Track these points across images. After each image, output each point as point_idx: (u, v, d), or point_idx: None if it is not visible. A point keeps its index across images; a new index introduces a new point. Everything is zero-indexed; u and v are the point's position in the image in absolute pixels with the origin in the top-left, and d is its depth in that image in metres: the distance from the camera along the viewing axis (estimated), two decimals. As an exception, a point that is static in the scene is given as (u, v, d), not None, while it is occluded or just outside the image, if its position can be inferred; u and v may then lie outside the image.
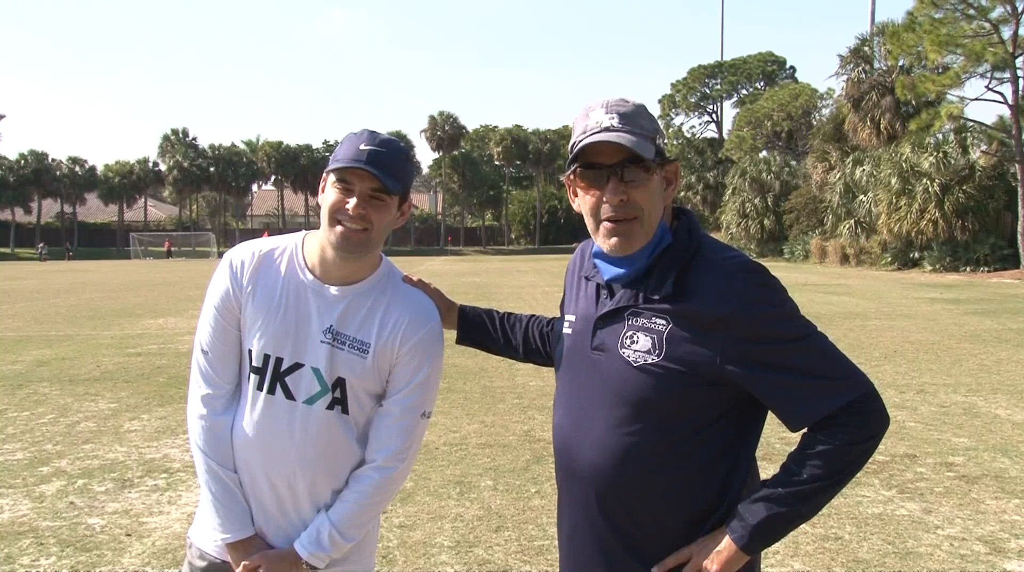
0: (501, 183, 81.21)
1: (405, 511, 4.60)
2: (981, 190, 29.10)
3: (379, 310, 1.86)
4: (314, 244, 1.87)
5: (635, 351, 1.59)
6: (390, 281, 1.91)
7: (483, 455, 5.75)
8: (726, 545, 1.55)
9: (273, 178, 78.73)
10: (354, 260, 1.82)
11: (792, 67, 69.58)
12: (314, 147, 77.65)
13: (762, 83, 67.75)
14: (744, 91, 68.81)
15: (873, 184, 33.27)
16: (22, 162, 73.69)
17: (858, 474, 1.57)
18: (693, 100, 70.52)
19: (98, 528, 4.38)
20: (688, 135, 69.61)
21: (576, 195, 1.68)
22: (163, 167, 76.74)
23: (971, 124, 29.14)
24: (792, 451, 1.58)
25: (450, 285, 23.15)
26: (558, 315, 1.91)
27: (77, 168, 75.61)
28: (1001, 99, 27.03)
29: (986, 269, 28.39)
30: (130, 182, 75.80)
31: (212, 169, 75.63)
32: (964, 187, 29.09)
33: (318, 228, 1.85)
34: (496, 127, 79.54)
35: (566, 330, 1.78)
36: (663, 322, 1.58)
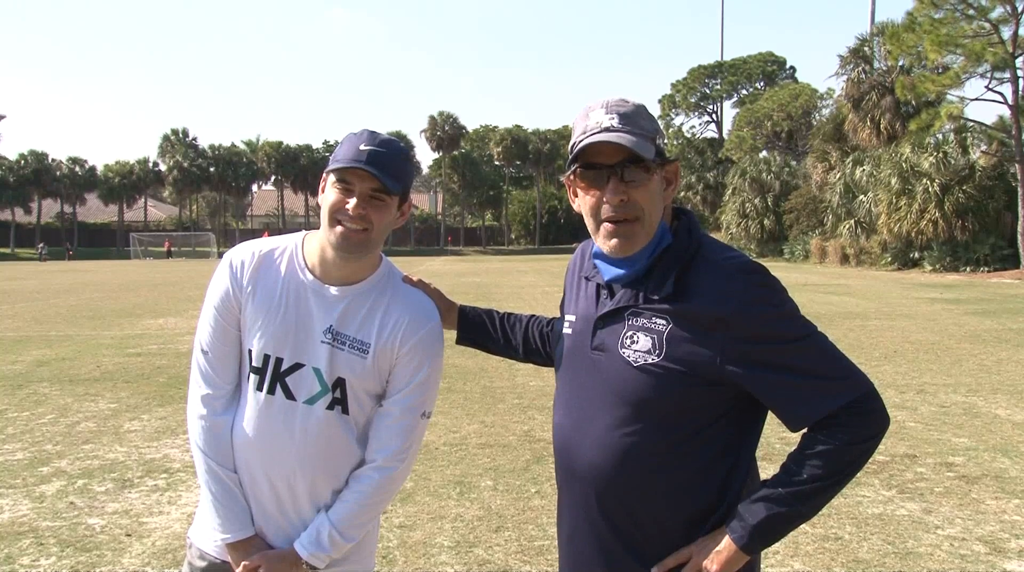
0: (501, 183, 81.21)
1: (405, 511, 4.60)
2: (981, 190, 29.10)
3: (379, 310, 1.86)
4: (314, 244, 1.87)
5: (635, 351, 1.59)
6: (390, 281, 1.91)
7: (483, 455, 5.75)
8: (726, 545, 1.55)
9: (273, 178, 78.72)
10: (354, 260, 1.82)
11: (792, 67, 69.68)
12: (314, 147, 77.65)
13: (762, 83, 67.76)
14: (744, 91, 68.82)
15: (873, 184, 33.27)
16: (22, 162, 73.68)
17: (858, 474, 1.57)
18: (693, 100, 70.53)
19: (98, 528, 4.38)
20: (688, 135, 69.63)
21: (576, 195, 1.68)
22: (163, 167, 76.74)
23: (971, 124, 29.14)
24: (792, 451, 1.58)
25: (450, 285, 23.15)
26: (558, 315, 1.91)
27: (77, 168, 75.60)
28: (1001, 99, 27.05)
29: (986, 269, 28.39)
30: (130, 182, 75.78)
31: (212, 169, 75.62)
32: (964, 187, 29.08)
33: (318, 228, 1.85)
34: (496, 127, 79.53)
35: (566, 330, 1.78)
36: (663, 322, 1.58)
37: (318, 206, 1.85)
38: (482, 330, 2.13)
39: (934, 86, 26.92)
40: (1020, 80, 25.97)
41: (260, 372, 1.82)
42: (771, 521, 1.53)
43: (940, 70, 28.33)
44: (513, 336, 2.12)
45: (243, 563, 1.80)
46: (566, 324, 1.79)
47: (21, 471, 5.43)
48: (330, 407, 1.82)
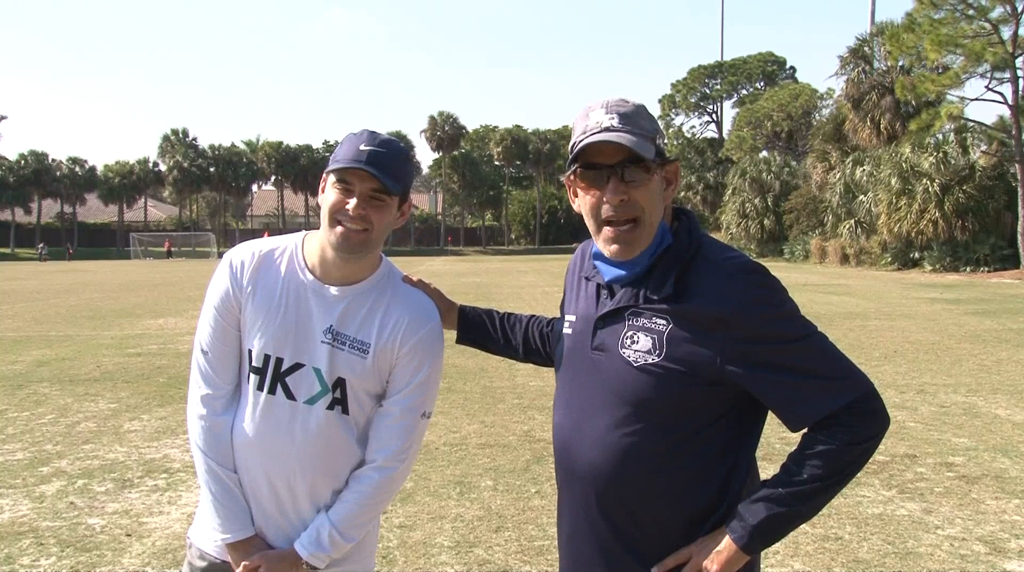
0: (501, 183, 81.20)
1: (405, 511, 4.60)
2: (981, 190, 29.10)
3: (379, 310, 1.86)
4: (314, 244, 1.87)
5: (635, 351, 1.59)
6: (390, 281, 1.91)
7: (483, 455, 5.75)
8: (726, 545, 1.55)
9: (273, 178, 78.72)
10: (354, 260, 1.82)
11: (792, 67, 69.73)
12: (314, 147, 77.66)
13: (762, 83, 67.78)
14: (744, 91, 68.84)
15: (873, 184, 33.28)
16: (22, 162, 73.69)
17: (858, 474, 1.57)
18: (693, 100, 70.55)
19: (98, 528, 4.38)
20: (688, 135, 69.65)
21: (576, 195, 1.68)
22: (163, 167, 76.75)
23: (971, 124, 29.16)
24: (792, 451, 1.58)
25: (450, 285, 23.15)
26: (558, 315, 1.91)
27: (77, 168, 75.61)
28: (1001, 99, 27.05)
29: (986, 269, 28.40)
30: (130, 182, 75.79)
31: (212, 169, 75.64)
32: (964, 187, 29.09)
33: (318, 228, 1.85)
34: (496, 127, 79.54)
35: (566, 330, 1.78)
36: (663, 322, 1.58)
37: (318, 206, 1.85)
38: (482, 330, 2.13)
39: (934, 86, 26.93)
40: (1020, 80, 25.98)
41: (260, 372, 1.82)
42: (771, 521, 1.52)
43: (940, 70, 28.33)
44: (513, 336, 2.12)
45: (243, 563, 1.80)
46: (566, 324, 1.79)
47: (21, 471, 5.43)
48: (330, 407, 1.82)
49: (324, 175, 1.82)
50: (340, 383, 1.82)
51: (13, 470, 5.46)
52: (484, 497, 4.84)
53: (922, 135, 28.97)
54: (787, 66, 69.23)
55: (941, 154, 29.47)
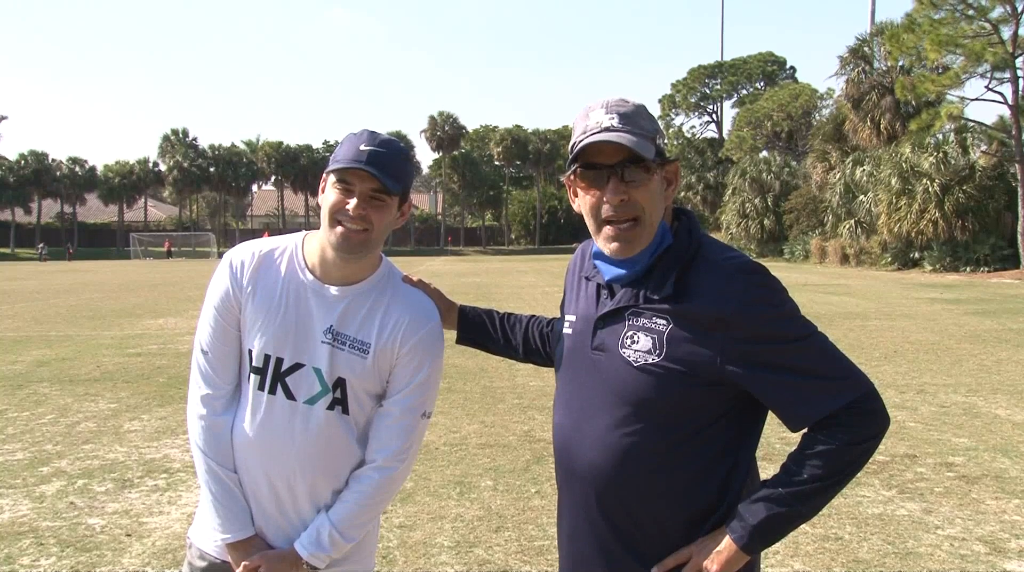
0: (501, 183, 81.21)
1: (405, 511, 4.60)
2: (981, 190, 29.11)
3: (379, 310, 1.86)
4: (314, 244, 1.87)
5: (635, 351, 1.59)
6: (390, 281, 1.91)
7: (483, 455, 5.75)
8: (726, 545, 1.55)
9: (273, 178, 78.75)
10: (354, 260, 1.82)
11: (792, 67, 69.75)
12: (314, 147, 77.66)
13: (762, 83, 67.80)
14: (744, 91, 68.86)
15: (873, 184, 33.28)
16: (22, 162, 73.71)
17: (858, 474, 1.57)
18: (693, 100, 70.56)
19: (98, 528, 4.38)
20: (688, 135, 69.66)
21: (576, 195, 1.68)
22: (163, 167, 76.76)
23: (971, 124, 29.16)
24: (792, 451, 1.58)
25: (450, 285, 23.15)
26: (558, 315, 1.91)
27: (77, 168, 75.61)
28: (1001, 99, 27.05)
29: (986, 269, 28.40)
30: (130, 182, 75.80)
31: (212, 169, 75.64)
32: (964, 187, 29.09)
33: (318, 228, 1.85)
34: (496, 127, 79.55)
35: (566, 330, 1.78)
36: (663, 322, 1.58)
37: (318, 206, 1.85)
38: (482, 330, 2.13)
39: (934, 86, 26.93)
40: (1020, 80, 25.98)
41: (260, 372, 1.82)
42: (771, 521, 1.52)
43: (940, 70, 28.33)
44: (513, 336, 2.12)
45: (243, 563, 1.80)
46: (566, 324, 1.79)
47: (21, 471, 5.43)
48: (330, 407, 1.82)
49: (324, 175, 1.82)
50: (340, 383, 1.82)
51: (13, 470, 5.46)
52: (484, 497, 4.84)
53: (922, 135, 28.98)
54: (787, 66, 69.30)
55: (941, 154, 29.48)
